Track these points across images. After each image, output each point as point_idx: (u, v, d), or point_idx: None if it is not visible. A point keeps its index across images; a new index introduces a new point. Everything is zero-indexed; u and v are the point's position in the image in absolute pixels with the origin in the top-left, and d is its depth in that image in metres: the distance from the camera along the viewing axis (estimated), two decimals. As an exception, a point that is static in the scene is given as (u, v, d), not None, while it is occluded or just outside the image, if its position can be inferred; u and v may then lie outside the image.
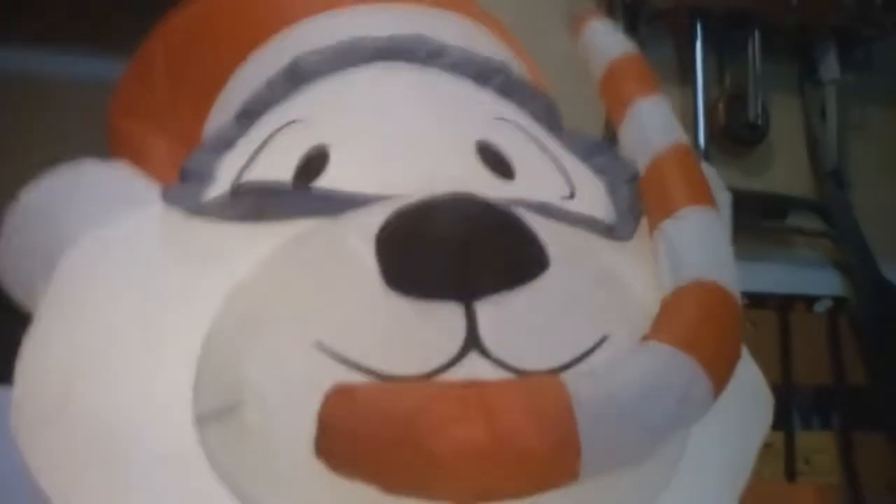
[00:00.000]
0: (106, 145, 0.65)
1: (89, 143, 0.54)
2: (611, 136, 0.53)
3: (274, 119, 0.51)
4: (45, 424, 0.42)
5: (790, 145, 1.28)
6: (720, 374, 0.41)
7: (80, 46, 0.90)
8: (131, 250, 0.46)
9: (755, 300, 1.17)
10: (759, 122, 1.23)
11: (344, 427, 0.36)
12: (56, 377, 0.42)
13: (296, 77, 0.53)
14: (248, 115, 0.52)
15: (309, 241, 0.43)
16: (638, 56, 0.54)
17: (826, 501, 1.15)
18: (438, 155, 0.48)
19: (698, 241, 0.45)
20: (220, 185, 0.48)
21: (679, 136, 0.50)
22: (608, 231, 0.48)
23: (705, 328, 0.42)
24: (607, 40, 0.55)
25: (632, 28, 1.14)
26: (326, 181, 0.47)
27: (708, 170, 0.51)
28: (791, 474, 1.16)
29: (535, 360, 0.39)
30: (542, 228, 0.42)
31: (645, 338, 0.41)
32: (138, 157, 0.55)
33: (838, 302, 1.24)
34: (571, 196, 0.50)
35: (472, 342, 0.38)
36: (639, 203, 0.49)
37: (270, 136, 0.50)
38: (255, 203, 0.45)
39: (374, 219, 0.41)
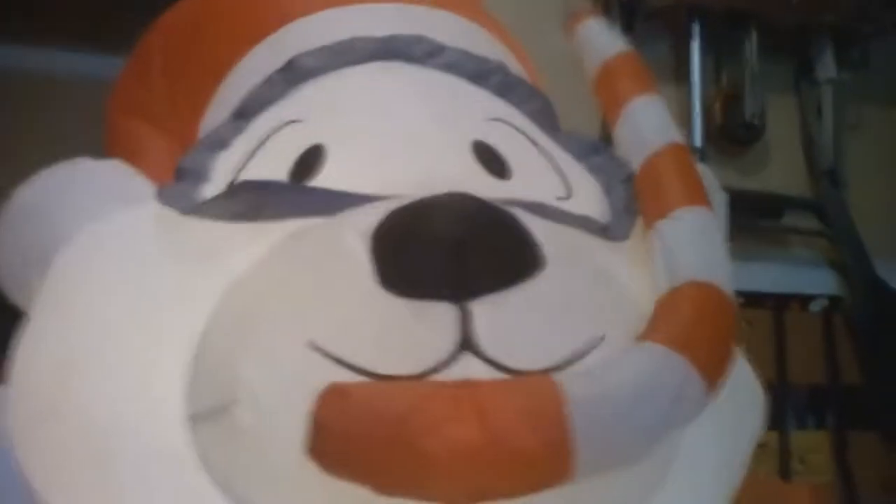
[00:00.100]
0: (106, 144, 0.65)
1: (89, 142, 0.54)
2: (607, 136, 0.53)
3: (271, 118, 0.51)
4: (38, 423, 0.42)
5: (786, 144, 1.29)
6: (714, 375, 0.41)
7: (79, 45, 0.90)
8: (126, 246, 0.45)
9: (750, 299, 1.17)
10: (756, 121, 1.23)
11: (337, 427, 0.36)
12: (50, 375, 0.42)
13: (293, 76, 0.53)
14: (245, 113, 0.52)
15: (305, 239, 0.43)
16: (633, 54, 0.54)
17: (820, 500, 1.15)
18: (435, 154, 0.48)
19: (693, 242, 0.45)
20: (215, 184, 0.48)
21: (674, 135, 0.50)
22: (604, 231, 0.48)
23: (699, 329, 0.42)
24: (602, 39, 0.55)
25: (628, 26, 1.14)
26: (323, 180, 0.47)
27: (703, 169, 0.51)
28: (785, 473, 1.16)
29: (530, 359, 0.39)
30: (538, 228, 0.42)
31: (639, 338, 0.41)
32: (135, 155, 0.55)
33: (833, 301, 1.25)
34: (567, 196, 0.50)
35: (466, 342, 0.38)
36: (634, 203, 0.49)
37: (267, 136, 0.50)
38: (252, 202, 0.45)
39: (369, 218, 0.41)
